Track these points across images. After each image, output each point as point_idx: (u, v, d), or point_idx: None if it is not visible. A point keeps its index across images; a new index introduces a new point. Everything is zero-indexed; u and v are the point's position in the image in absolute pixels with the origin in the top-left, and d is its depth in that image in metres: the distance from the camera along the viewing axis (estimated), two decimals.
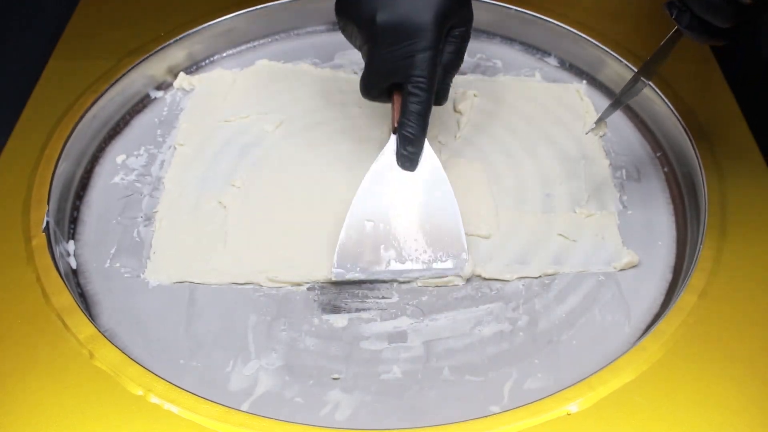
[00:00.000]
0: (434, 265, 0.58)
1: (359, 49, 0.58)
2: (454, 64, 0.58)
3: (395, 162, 0.57)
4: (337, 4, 0.57)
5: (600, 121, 0.63)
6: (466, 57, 0.78)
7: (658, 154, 0.70)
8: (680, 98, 0.69)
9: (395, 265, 0.58)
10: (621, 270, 0.60)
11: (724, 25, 0.48)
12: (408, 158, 0.57)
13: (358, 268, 0.58)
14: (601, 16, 0.80)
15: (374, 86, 0.57)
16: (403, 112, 0.55)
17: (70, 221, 0.63)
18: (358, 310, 0.57)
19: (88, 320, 0.53)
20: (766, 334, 0.52)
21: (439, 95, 0.58)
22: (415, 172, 0.58)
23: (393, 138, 0.57)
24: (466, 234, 0.58)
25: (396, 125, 0.56)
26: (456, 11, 0.55)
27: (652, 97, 0.71)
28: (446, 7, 0.54)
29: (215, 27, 0.78)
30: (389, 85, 0.56)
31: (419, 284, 0.59)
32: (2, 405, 0.48)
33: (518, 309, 0.57)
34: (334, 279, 0.58)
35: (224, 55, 0.80)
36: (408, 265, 0.58)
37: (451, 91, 0.60)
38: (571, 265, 0.60)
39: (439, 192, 0.58)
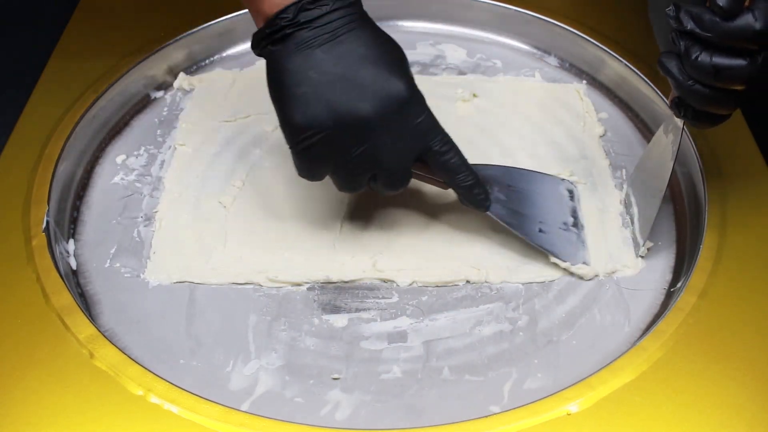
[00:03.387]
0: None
1: (348, 157, 0.53)
2: (452, 165, 0.55)
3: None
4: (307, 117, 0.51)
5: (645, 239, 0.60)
6: (466, 57, 0.80)
7: None
8: None
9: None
10: (621, 270, 0.60)
11: (728, 112, 0.51)
12: (484, 199, 0.58)
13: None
14: (601, 16, 0.80)
15: (403, 173, 0.55)
16: (448, 172, 0.55)
17: (70, 221, 0.63)
18: (358, 310, 0.57)
19: (88, 320, 0.53)
20: (766, 334, 0.52)
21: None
22: None
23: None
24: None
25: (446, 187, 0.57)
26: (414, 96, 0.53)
27: (652, 97, 0.71)
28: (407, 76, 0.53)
29: (215, 27, 0.78)
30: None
31: (419, 284, 0.59)
32: (2, 405, 0.48)
33: (518, 309, 0.57)
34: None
35: (224, 55, 0.80)
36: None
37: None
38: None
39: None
